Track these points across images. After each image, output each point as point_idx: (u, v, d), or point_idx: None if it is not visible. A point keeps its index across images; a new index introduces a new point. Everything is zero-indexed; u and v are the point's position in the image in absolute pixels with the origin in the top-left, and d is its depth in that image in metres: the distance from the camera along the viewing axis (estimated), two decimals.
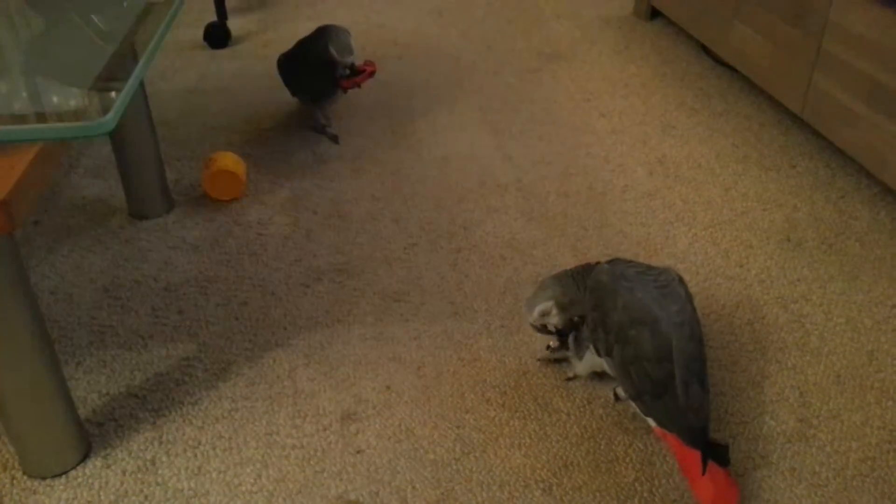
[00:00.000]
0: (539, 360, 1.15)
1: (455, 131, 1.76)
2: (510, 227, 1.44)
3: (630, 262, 1.04)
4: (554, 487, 0.97)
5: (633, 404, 1.00)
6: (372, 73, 1.69)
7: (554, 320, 1.08)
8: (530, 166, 1.62)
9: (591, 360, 1.07)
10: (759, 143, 1.68)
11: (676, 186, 1.55)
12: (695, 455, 0.91)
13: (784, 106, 1.68)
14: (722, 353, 1.16)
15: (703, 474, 0.90)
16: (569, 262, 1.35)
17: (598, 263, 1.04)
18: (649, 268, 1.02)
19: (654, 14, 2.30)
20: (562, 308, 1.07)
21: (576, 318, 1.09)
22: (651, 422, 0.97)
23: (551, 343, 1.14)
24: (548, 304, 1.07)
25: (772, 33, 1.66)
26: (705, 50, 2.08)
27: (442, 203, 1.51)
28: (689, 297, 1.00)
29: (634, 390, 0.96)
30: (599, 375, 1.11)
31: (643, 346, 0.94)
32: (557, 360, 1.15)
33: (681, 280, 1.01)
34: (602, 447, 1.02)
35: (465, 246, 1.40)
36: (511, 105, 1.86)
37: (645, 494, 0.96)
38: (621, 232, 1.42)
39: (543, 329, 1.11)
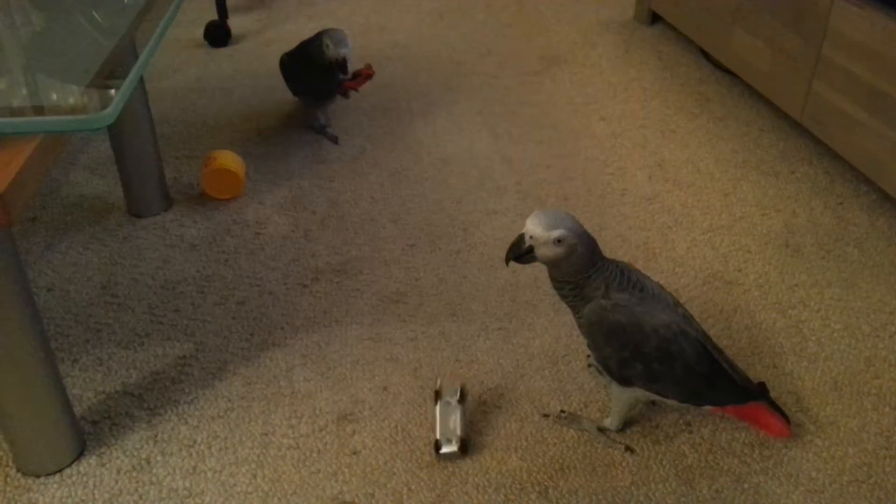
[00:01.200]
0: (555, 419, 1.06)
1: (454, 133, 1.76)
2: (509, 230, 1.44)
3: (614, 268, 0.96)
4: (550, 490, 0.97)
5: (681, 405, 1.01)
6: (370, 77, 1.69)
7: (549, 255, 0.92)
8: (529, 169, 1.62)
9: (629, 399, 1.01)
10: (759, 149, 1.69)
11: (675, 191, 1.55)
12: (755, 407, 1.00)
13: (783, 112, 1.68)
14: None
15: (782, 416, 1.01)
16: None
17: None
18: (622, 272, 0.96)
19: (655, 19, 2.30)
20: (573, 256, 0.92)
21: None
22: (706, 409, 1.01)
23: (564, 410, 1.07)
24: (567, 235, 0.91)
25: (772, 39, 1.66)
26: (705, 55, 2.08)
27: (441, 205, 1.51)
28: (655, 282, 1.00)
29: (688, 394, 0.98)
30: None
31: (687, 355, 0.95)
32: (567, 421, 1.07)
33: (636, 272, 0.99)
34: (598, 451, 1.02)
35: (463, 248, 1.40)
36: (511, 108, 1.86)
37: (641, 499, 0.96)
38: (620, 236, 1.42)
39: (528, 254, 0.94)
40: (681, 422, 1.06)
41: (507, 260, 0.96)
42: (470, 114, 1.84)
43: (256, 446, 1.03)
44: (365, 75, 1.68)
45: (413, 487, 0.97)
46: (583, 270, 0.94)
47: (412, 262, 1.36)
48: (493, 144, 1.71)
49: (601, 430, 1.04)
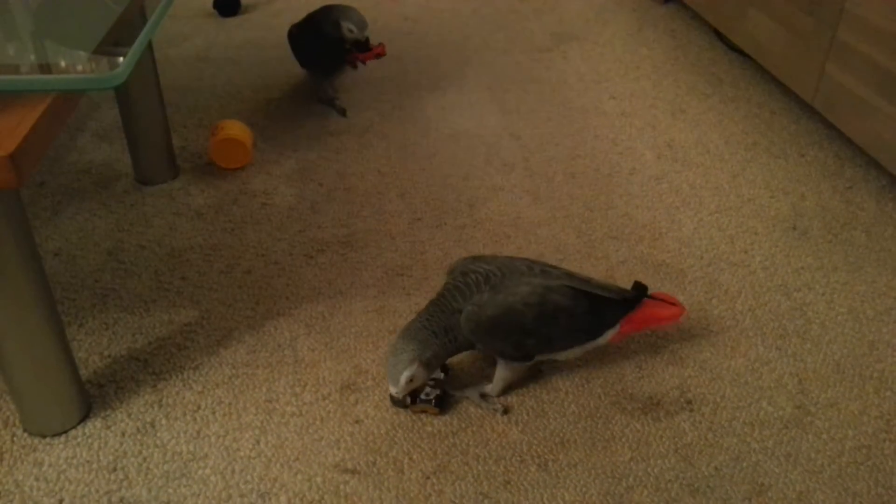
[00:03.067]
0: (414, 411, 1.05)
1: (463, 109, 1.75)
2: (515, 206, 1.44)
3: (450, 290, 1.01)
4: (550, 463, 0.98)
5: (584, 348, 1.05)
6: (379, 55, 1.67)
7: (419, 382, 0.99)
8: (537, 146, 1.62)
9: (506, 376, 1.05)
10: (769, 131, 1.67)
11: (684, 171, 1.54)
12: (644, 309, 1.06)
13: (795, 94, 1.67)
14: (722, 338, 1.16)
15: (675, 304, 1.08)
16: (572, 242, 1.35)
17: (431, 304, 1.01)
18: (465, 283, 1.00)
19: None
20: (426, 365, 0.97)
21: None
22: (603, 340, 1.05)
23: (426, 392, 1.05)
24: (412, 368, 0.96)
25: (786, 21, 1.64)
26: (718, 35, 2.06)
27: (448, 180, 1.51)
28: (501, 259, 1.04)
29: (585, 333, 1.03)
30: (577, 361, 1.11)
31: (563, 305, 1.00)
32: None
33: (473, 260, 1.04)
34: (599, 426, 1.03)
35: (469, 223, 1.40)
36: (520, 84, 1.85)
37: (640, 474, 0.97)
38: (626, 214, 1.42)
39: (413, 396, 1.03)
40: (681, 399, 1.07)
41: (399, 406, 1.04)
42: (479, 89, 1.82)
43: (260, 413, 1.04)
44: (376, 52, 1.67)
45: (414, 457, 0.98)
46: (437, 340, 0.98)
47: (418, 236, 1.36)
48: (502, 120, 1.70)
49: (483, 395, 1.06)
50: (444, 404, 1.04)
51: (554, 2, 2.31)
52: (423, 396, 1.04)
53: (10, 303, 0.89)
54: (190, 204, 1.43)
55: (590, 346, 1.05)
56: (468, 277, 1.00)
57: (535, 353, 1.03)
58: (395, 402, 1.04)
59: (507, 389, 1.07)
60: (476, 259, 1.04)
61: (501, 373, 1.05)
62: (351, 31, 1.60)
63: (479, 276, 1.00)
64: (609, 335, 1.05)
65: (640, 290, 1.06)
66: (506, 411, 1.05)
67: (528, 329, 0.99)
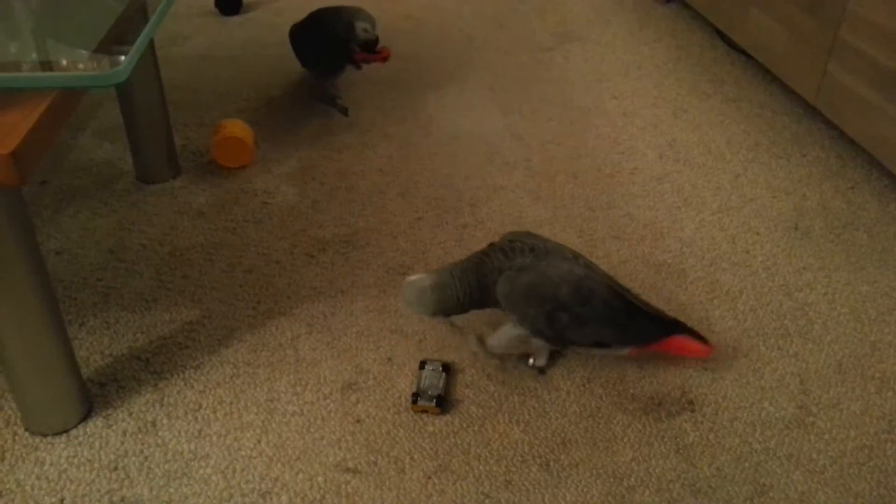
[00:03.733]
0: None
1: (465, 108, 1.75)
2: (517, 206, 1.44)
3: (494, 250, 1.03)
4: (551, 463, 0.98)
5: (604, 351, 1.06)
6: (383, 60, 1.67)
7: (430, 306, 1.04)
8: (539, 146, 1.62)
9: (505, 336, 1.07)
10: (771, 131, 1.67)
11: (686, 171, 1.54)
12: (677, 338, 1.06)
13: (797, 94, 1.67)
14: (724, 338, 1.16)
15: (705, 341, 1.07)
16: (574, 242, 1.35)
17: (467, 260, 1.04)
18: (510, 246, 1.02)
19: None
20: (438, 300, 1.03)
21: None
22: (625, 351, 1.06)
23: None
24: (431, 283, 1.03)
25: (788, 21, 1.64)
26: (720, 35, 2.05)
27: (449, 179, 1.51)
28: (550, 241, 1.06)
29: (617, 330, 1.03)
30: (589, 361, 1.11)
31: (601, 293, 1.01)
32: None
33: (528, 233, 1.06)
34: (601, 426, 1.03)
35: (471, 222, 1.40)
36: (522, 84, 1.85)
37: (642, 474, 0.97)
38: (628, 214, 1.42)
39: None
40: (683, 400, 1.06)
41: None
42: (481, 89, 1.82)
43: (261, 412, 1.04)
44: (382, 56, 1.66)
45: (415, 457, 0.98)
46: (467, 285, 1.01)
47: (419, 236, 1.36)
48: (504, 120, 1.70)
49: (480, 341, 1.09)
50: (445, 404, 1.04)
51: (555, 2, 2.31)
52: (430, 392, 1.04)
53: (11, 302, 0.89)
54: (191, 203, 1.43)
55: (613, 350, 1.05)
56: (514, 244, 1.02)
57: (566, 332, 1.01)
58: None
59: (501, 355, 1.09)
60: (528, 234, 1.05)
61: (504, 333, 1.06)
62: (366, 30, 1.60)
63: (524, 246, 1.02)
64: (630, 348, 1.05)
65: (678, 323, 1.07)
66: (542, 372, 1.08)
67: (563, 302, 0.99)
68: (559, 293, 0.98)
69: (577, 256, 1.05)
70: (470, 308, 1.04)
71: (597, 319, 1.01)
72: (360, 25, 1.60)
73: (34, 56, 0.85)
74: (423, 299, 1.03)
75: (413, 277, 1.05)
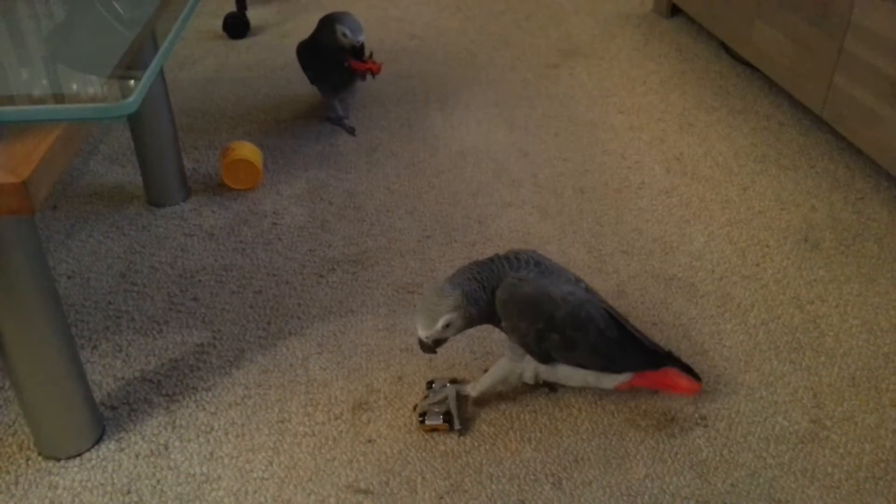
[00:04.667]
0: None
1: (471, 126, 1.75)
2: (525, 222, 1.44)
3: (496, 261, 1.00)
4: (564, 482, 0.97)
5: (595, 378, 1.03)
6: (372, 71, 1.65)
7: (452, 333, 0.98)
8: (546, 162, 1.62)
9: (502, 374, 1.05)
10: (778, 143, 1.67)
11: (693, 184, 1.54)
12: (664, 372, 1.04)
13: (804, 105, 1.67)
14: (736, 352, 1.16)
15: (697, 379, 1.05)
16: (582, 257, 1.35)
17: (475, 263, 1.01)
18: (516, 257, 1.00)
19: (675, 11, 2.28)
20: (466, 318, 0.96)
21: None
22: (611, 382, 1.03)
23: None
24: (454, 314, 0.95)
25: (793, 33, 1.64)
26: (725, 48, 2.06)
27: (457, 197, 1.51)
28: (554, 262, 1.04)
29: (605, 360, 1.02)
30: None
31: (597, 321, 0.99)
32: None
33: (534, 252, 1.04)
34: (613, 443, 1.02)
35: (479, 240, 1.40)
36: (528, 100, 1.86)
37: (655, 492, 0.96)
38: (637, 229, 1.42)
39: (435, 345, 0.99)
40: (696, 415, 1.06)
41: (428, 353, 1.02)
42: (487, 106, 1.83)
43: (273, 433, 1.04)
44: (369, 67, 1.64)
45: (427, 476, 0.98)
46: (484, 295, 0.97)
47: (428, 254, 1.36)
48: (510, 137, 1.71)
49: (461, 395, 1.06)
50: (453, 420, 1.03)
51: (559, 18, 2.32)
52: (436, 409, 1.04)
53: (24, 326, 0.90)
54: (201, 225, 1.44)
55: (601, 379, 1.04)
56: (520, 256, 1.01)
57: (552, 354, 1.00)
58: (425, 347, 0.99)
59: (488, 393, 1.07)
60: (532, 251, 1.04)
61: (497, 370, 1.04)
62: (345, 35, 1.59)
63: (530, 259, 1.01)
64: (621, 379, 1.03)
65: (671, 356, 1.05)
66: (552, 389, 1.08)
67: (557, 323, 0.97)
68: (556, 313, 0.97)
69: (578, 280, 1.04)
70: (483, 321, 1.01)
71: (587, 346, 0.99)
72: (339, 29, 1.59)
73: (44, 88, 0.86)
74: (454, 320, 0.97)
75: (436, 299, 0.96)
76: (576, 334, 0.98)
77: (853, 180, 1.54)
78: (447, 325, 0.96)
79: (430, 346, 1.00)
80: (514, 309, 0.97)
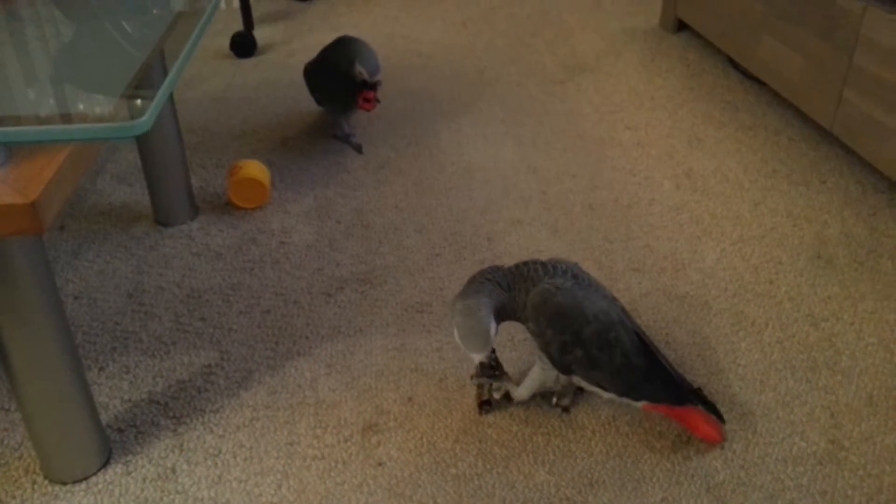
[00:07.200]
0: (477, 384, 1.08)
1: (479, 142, 1.75)
2: (535, 239, 1.43)
3: (532, 265, 1.00)
4: None
5: (604, 396, 1.02)
6: (366, 108, 1.66)
7: (495, 336, 0.98)
8: (555, 178, 1.61)
9: (539, 381, 1.04)
10: (788, 158, 1.66)
11: (704, 200, 1.53)
12: (689, 410, 1.00)
13: (813, 120, 1.66)
14: (751, 371, 1.14)
15: (716, 420, 1.01)
16: (594, 275, 1.33)
17: (497, 268, 1.02)
18: (553, 266, 1.00)
19: (681, 27, 2.28)
20: (497, 318, 0.97)
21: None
22: (638, 404, 1.01)
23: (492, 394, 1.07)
24: (492, 320, 0.96)
25: (801, 47, 1.64)
26: (733, 63, 2.06)
27: (465, 214, 1.51)
28: (591, 276, 1.04)
29: (625, 386, 0.99)
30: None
31: (625, 345, 0.97)
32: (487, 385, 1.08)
33: (576, 265, 1.04)
34: (628, 465, 1.00)
35: (489, 257, 1.39)
36: (535, 117, 1.85)
37: None
38: (647, 245, 1.40)
39: (495, 365, 1.02)
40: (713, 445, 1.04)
41: (491, 374, 1.04)
42: (494, 123, 1.83)
43: (281, 456, 1.02)
44: (368, 99, 1.65)
45: (439, 500, 0.96)
46: (501, 292, 0.98)
47: (437, 272, 1.35)
48: (518, 153, 1.70)
49: (508, 394, 1.07)
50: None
51: (565, 35, 2.32)
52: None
53: (31, 347, 0.89)
54: (209, 244, 1.43)
55: (622, 400, 1.02)
56: (559, 265, 1.00)
57: (573, 368, 0.99)
58: (487, 369, 1.00)
59: (532, 397, 1.07)
60: (574, 263, 1.03)
61: (533, 375, 1.03)
62: (361, 73, 1.60)
63: (570, 271, 1.00)
64: (643, 405, 1.02)
65: (698, 394, 1.02)
66: (566, 410, 1.06)
67: (583, 339, 0.96)
68: (584, 329, 0.96)
69: (614, 300, 1.02)
70: (508, 318, 1.01)
71: (609, 368, 0.98)
72: (357, 68, 1.60)
73: (57, 108, 0.86)
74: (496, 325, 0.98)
75: (473, 319, 0.96)
76: (600, 354, 0.97)
77: (865, 196, 1.53)
78: (496, 333, 0.97)
79: (491, 364, 1.01)
80: (544, 316, 0.96)
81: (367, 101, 1.65)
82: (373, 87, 1.62)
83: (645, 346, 1.00)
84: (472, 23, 2.42)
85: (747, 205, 1.51)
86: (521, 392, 1.06)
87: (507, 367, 1.15)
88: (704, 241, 1.42)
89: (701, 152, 1.69)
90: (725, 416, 1.06)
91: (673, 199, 1.53)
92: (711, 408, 1.02)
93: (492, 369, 1.02)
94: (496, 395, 1.08)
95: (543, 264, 1.00)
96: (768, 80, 1.80)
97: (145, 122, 0.70)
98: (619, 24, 2.37)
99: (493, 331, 0.96)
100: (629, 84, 1.99)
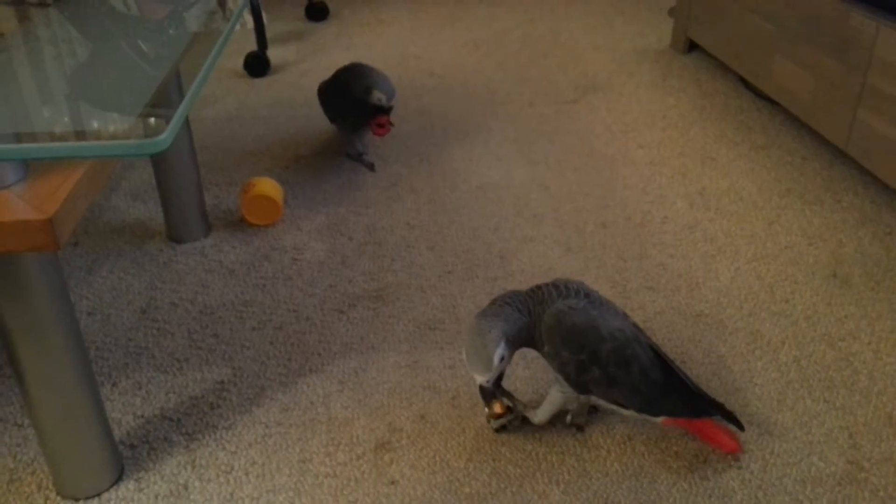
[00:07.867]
0: (496, 429, 1.06)
1: (491, 161, 1.75)
2: (547, 257, 1.43)
3: (546, 287, 1.00)
4: None
5: (624, 413, 1.01)
6: (378, 134, 1.67)
7: (505, 365, 0.97)
8: (567, 197, 1.61)
9: (559, 404, 1.03)
10: (802, 177, 1.65)
11: (718, 219, 1.52)
12: (708, 423, 1.01)
13: (827, 140, 1.65)
14: (768, 391, 1.12)
15: (741, 429, 1.02)
16: (607, 293, 1.33)
17: (515, 292, 1.00)
18: (566, 286, 1.00)
19: (692, 47, 2.29)
20: (511, 343, 0.95)
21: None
22: (657, 419, 1.01)
23: (502, 404, 1.04)
24: (503, 345, 0.94)
25: (814, 67, 1.64)
26: (745, 83, 2.06)
27: (478, 232, 1.50)
28: (602, 296, 1.03)
29: (644, 402, 0.98)
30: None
31: (642, 360, 0.97)
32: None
33: (581, 283, 1.03)
34: (644, 485, 0.99)
35: (501, 275, 1.38)
36: (547, 136, 1.86)
37: None
38: (661, 264, 1.40)
39: (497, 386, 0.99)
40: (729, 456, 1.02)
41: (491, 400, 1.03)
42: (506, 141, 1.83)
43: (294, 474, 1.01)
44: (381, 124, 1.66)
45: None
46: (521, 318, 0.97)
47: (449, 289, 1.35)
48: (530, 172, 1.71)
49: (525, 418, 1.06)
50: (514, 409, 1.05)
51: (577, 55, 2.33)
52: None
53: (46, 364, 0.89)
54: (222, 261, 1.43)
55: (641, 416, 1.01)
56: (570, 285, 1.00)
57: (590, 387, 0.98)
58: (487, 394, 0.99)
59: (553, 418, 1.06)
60: (580, 282, 1.03)
61: (552, 398, 1.03)
62: (380, 100, 1.62)
63: (581, 290, 1.00)
64: (663, 420, 1.01)
65: (717, 406, 1.01)
66: (580, 429, 1.06)
67: (600, 357, 0.95)
68: (601, 347, 0.95)
69: (626, 316, 1.02)
70: (525, 344, 1.00)
71: (628, 385, 0.97)
72: (375, 95, 1.62)
73: (77, 125, 0.86)
74: (505, 350, 0.96)
75: (481, 339, 0.94)
76: (618, 371, 0.96)
77: (880, 215, 1.52)
78: (502, 358, 0.95)
79: (492, 391, 0.99)
80: (559, 337, 0.96)
81: (381, 125, 1.66)
82: (387, 112, 1.64)
83: (661, 361, 0.99)
84: (484, 44, 2.43)
85: (761, 223, 1.50)
86: (541, 415, 1.05)
87: (520, 386, 1.14)
88: (719, 259, 1.41)
89: (714, 171, 1.69)
90: (742, 435, 1.05)
91: (686, 217, 1.53)
92: (731, 417, 1.01)
93: (492, 395, 1.00)
94: (515, 424, 1.07)
95: (556, 286, 1.00)
96: (781, 99, 1.80)
97: (164, 139, 0.70)
98: (631, 45, 2.38)
99: (498, 355, 0.94)
100: (641, 104, 2.00)
